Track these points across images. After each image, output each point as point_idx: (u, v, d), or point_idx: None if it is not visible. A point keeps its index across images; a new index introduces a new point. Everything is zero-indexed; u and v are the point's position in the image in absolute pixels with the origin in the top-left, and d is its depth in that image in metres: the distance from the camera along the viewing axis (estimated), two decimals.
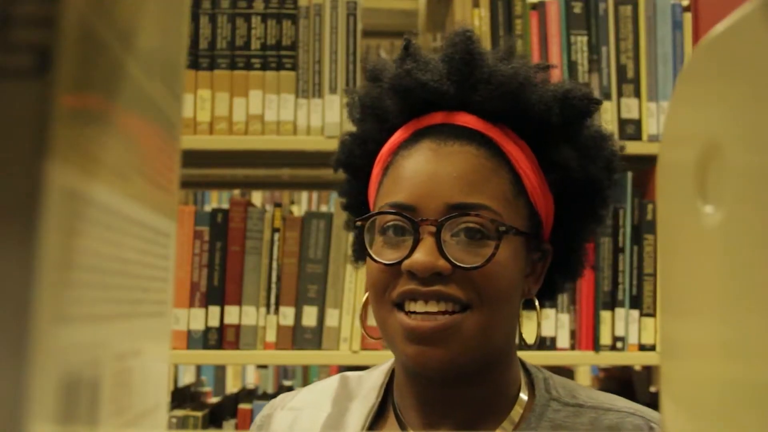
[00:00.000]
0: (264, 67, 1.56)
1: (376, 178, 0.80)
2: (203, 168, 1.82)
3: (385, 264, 0.73)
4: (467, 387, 0.77)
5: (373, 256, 0.74)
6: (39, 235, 0.17)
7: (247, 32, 1.57)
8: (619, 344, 1.54)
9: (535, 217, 0.77)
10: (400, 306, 0.73)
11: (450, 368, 0.73)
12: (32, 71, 0.17)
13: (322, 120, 1.55)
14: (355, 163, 0.84)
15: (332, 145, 1.55)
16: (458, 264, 0.71)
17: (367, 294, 0.81)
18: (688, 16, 1.60)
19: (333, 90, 1.56)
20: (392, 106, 0.80)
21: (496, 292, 0.73)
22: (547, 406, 0.79)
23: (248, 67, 1.56)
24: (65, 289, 0.18)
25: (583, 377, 2.18)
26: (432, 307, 0.72)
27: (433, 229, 0.72)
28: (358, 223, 0.77)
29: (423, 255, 0.71)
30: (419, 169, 0.75)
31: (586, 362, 1.84)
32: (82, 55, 0.18)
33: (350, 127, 0.85)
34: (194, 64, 1.56)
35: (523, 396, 0.80)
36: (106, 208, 0.21)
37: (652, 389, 1.90)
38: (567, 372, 1.95)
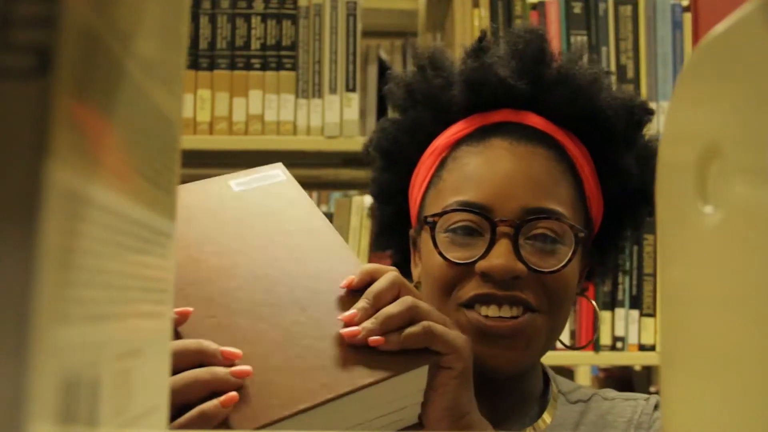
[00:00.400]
0: (264, 67, 1.56)
1: (429, 170, 0.77)
2: (203, 168, 1.81)
3: (455, 263, 0.71)
4: (510, 383, 0.76)
5: (444, 253, 0.72)
6: (39, 235, 0.17)
7: (247, 32, 1.57)
8: (619, 344, 1.54)
9: (590, 223, 0.77)
10: (468, 305, 0.71)
11: (517, 369, 0.73)
12: (32, 72, 0.17)
13: (322, 120, 1.54)
14: (398, 151, 0.81)
15: (332, 146, 1.55)
16: (535, 268, 0.70)
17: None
18: (687, 16, 1.60)
19: (333, 90, 1.56)
20: (458, 97, 0.77)
21: (564, 297, 0.72)
22: (555, 400, 0.80)
23: (248, 67, 1.56)
24: (65, 289, 0.18)
25: (583, 377, 2.18)
26: (505, 312, 0.70)
27: (510, 230, 0.70)
28: (430, 219, 0.73)
29: (501, 258, 0.69)
30: (494, 169, 0.73)
31: (586, 362, 1.84)
32: (83, 56, 0.18)
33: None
34: (194, 64, 1.56)
35: (555, 390, 0.81)
36: (106, 209, 0.21)
37: (652, 389, 1.90)
38: (567, 372, 1.95)
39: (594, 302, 0.82)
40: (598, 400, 0.81)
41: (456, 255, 0.71)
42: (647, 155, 0.79)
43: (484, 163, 0.73)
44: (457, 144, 0.76)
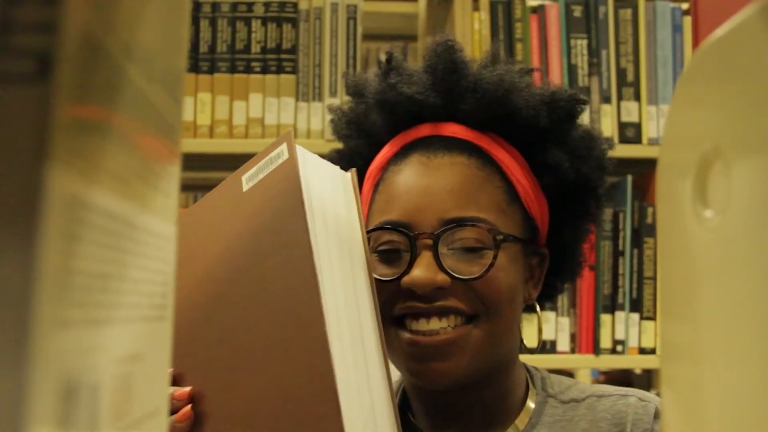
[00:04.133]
0: (264, 70, 1.56)
1: (367, 195, 0.78)
2: (204, 171, 1.82)
3: (382, 281, 0.71)
4: (475, 392, 0.76)
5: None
6: (39, 239, 0.17)
7: (248, 36, 1.57)
8: (619, 347, 1.54)
9: (530, 222, 0.77)
10: (399, 321, 0.72)
11: (458, 381, 0.72)
12: (33, 77, 0.17)
13: (323, 123, 1.55)
14: None
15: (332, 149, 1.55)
16: (457, 276, 0.70)
17: None
18: (687, 20, 1.61)
19: (333, 93, 1.56)
20: (378, 121, 0.79)
21: (499, 300, 0.72)
22: (545, 404, 0.79)
23: (248, 70, 1.56)
24: (65, 294, 0.18)
25: (583, 380, 2.17)
26: (435, 324, 0.70)
27: (429, 242, 0.71)
28: None
29: (422, 271, 0.70)
30: (410, 185, 0.73)
31: (586, 365, 1.84)
32: (83, 61, 0.18)
33: None
34: (194, 68, 1.56)
35: (530, 400, 0.80)
36: (107, 213, 0.21)
37: (653, 392, 1.90)
38: (567, 375, 1.95)
39: (538, 307, 0.80)
40: (593, 400, 0.80)
41: (383, 273, 0.72)
42: (583, 146, 0.79)
43: (404, 181, 0.74)
44: (386, 166, 0.77)
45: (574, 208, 0.81)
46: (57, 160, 0.17)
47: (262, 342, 0.60)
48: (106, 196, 0.21)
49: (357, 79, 0.83)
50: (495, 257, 0.71)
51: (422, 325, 0.71)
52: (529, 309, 0.81)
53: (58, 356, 0.18)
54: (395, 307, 0.72)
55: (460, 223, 0.71)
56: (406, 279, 0.70)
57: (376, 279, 0.71)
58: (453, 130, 0.77)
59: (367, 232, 0.73)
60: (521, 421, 0.78)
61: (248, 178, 0.65)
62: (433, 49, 0.78)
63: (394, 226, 0.72)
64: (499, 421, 0.78)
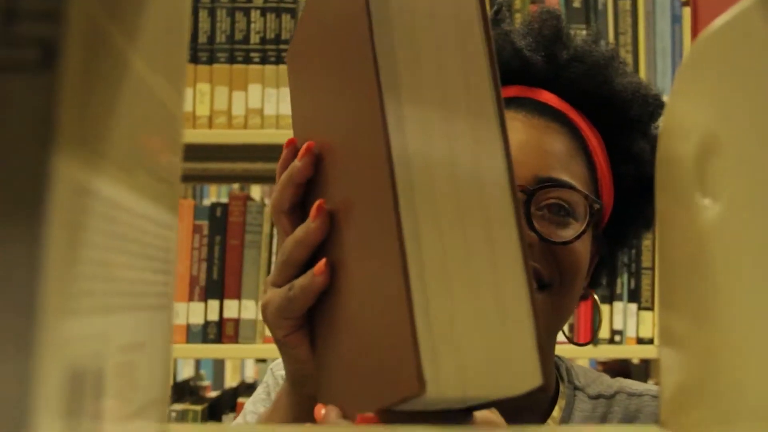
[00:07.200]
0: (263, 60, 1.56)
1: None
2: (202, 162, 1.81)
3: None
4: None
5: None
6: (44, 228, 0.17)
7: (247, 26, 1.57)
8: (617, 338, 1.54)
9: (601, 208, 0.73)
10: None
11: None
12: (37, 65, 0.17)
13: None
14: None
15: None
16: (547, 238, 0.66)
17: None
18: (687, 11, 1.60)
19: None
20: None
21: (576, 272, 0.68)
22: (574, 397, 0.77)
23: (247, 60, 1.56)
24: (70, 282, 0.18)
25: None
26: None
27: (522, 197, 0.66)
28: None
29: None
30: None
31: (584, 356, 1.84)
32: (88, 49, 0.18)
33: None
34: (193, 58, 1.56)
35: (561, 392, 0.77)
36: (111, 202, 0.21)
37: (650, 382, 1.91)
38: None
39: (596, 296, 0.77)
40: (623, 398, 0.78)
41: None
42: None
43: None
44: None
45: (637, 207, 0.77)
46: (62, 148, 0.17)
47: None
48: (110, 185, 0.21)
49: None
50: (588, 224, 0.68)
51: None
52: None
53: (64, 344, 0.18)
54: None
55: (557, 183, 0.67)
56: None
57: None
58: (548, 97, 0.74)
59: None
60: (557, 413, 0.75)
61: None
62: (538, 15, 0.75)
63: None
64: (535, 408, 0.75)
